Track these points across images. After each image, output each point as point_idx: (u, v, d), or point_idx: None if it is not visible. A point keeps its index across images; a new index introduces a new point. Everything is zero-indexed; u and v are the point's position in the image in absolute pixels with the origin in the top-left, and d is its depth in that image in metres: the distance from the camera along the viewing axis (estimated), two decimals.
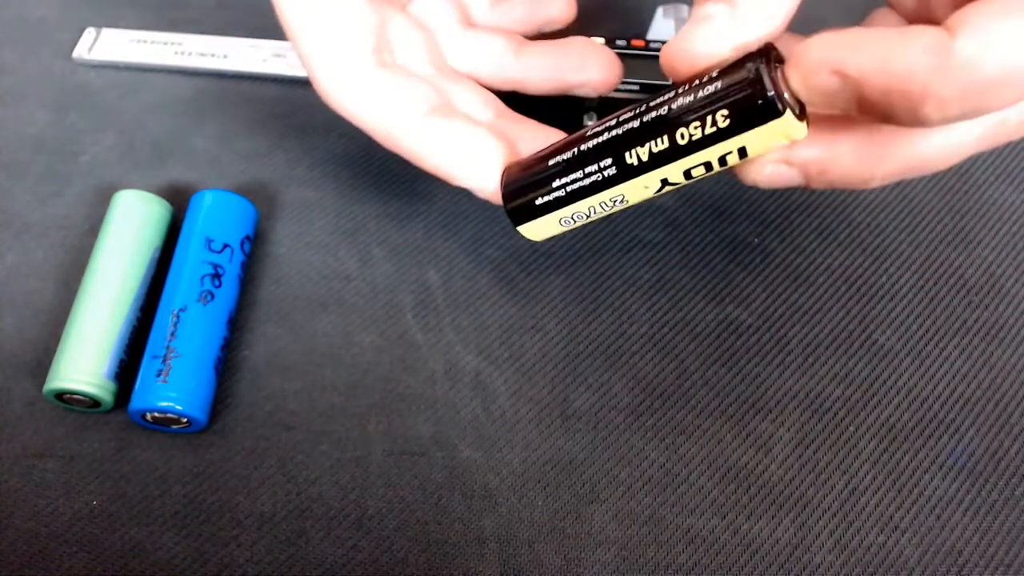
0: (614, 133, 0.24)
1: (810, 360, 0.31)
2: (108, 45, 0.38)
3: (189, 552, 0.27)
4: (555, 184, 0.25)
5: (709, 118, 0.22)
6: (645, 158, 0.23)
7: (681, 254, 0.33)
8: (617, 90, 0.34)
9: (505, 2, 0.33)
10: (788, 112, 0.21)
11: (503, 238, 0.33)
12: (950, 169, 0.36)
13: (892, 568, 0.27)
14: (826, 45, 0.20)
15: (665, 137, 0.23)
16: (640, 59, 0.35)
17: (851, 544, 0.27)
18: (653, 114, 0.23)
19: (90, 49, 0.38)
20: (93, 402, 0.28)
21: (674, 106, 0.22)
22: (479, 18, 0.33)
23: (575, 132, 0.27)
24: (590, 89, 0.31)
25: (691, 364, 0.31)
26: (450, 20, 0.31)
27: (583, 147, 0.25)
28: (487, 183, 0.28)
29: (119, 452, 0.28)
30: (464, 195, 0.34)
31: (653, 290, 0.32)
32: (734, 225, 0.34)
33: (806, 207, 0.34)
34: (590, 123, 0.35)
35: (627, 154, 0.24)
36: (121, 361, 0.29)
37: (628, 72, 0.35)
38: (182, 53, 0.37)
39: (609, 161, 0.24)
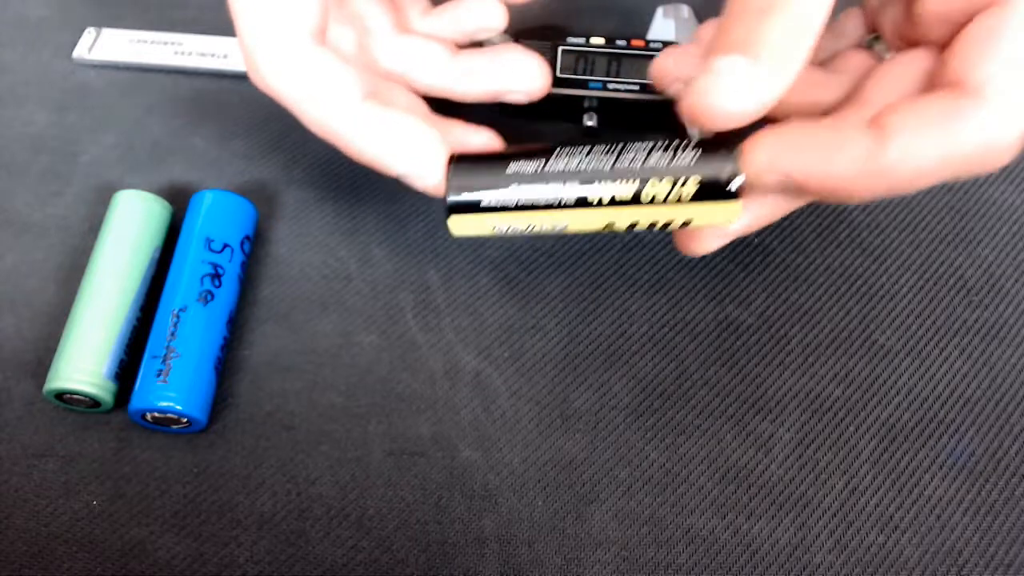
0: (585, 165, 0.24)
1: (810, 360, 0.31)
2: (108, 45, 0.38)
3: (189, 552, 0.27)
4: (511, 190, 0.25)
5: (678, 184, 0.23)
6: (606, 199, 0.24)
7: (681, 254, 0.33)
8: (617, 90, 0.35)
9: (440, 9, 0.32)
10: (740, 198, 0.23)
11: (503, 238, 0.33)
12: None
13: (892, 568, 0.27)
14: (772, 149, 0.23)
15: (633, 187, 0.24)
16: (640, 59, 0.35)
17: (851, 544, 0.27)
18: (628, 162, 0.24)
19: (90, 49, 0.38)
20: (93, 402, 0.28)
21: (650, 162, 0.24)
22: (413, 23, 0.32)
23: (532, 143, 0.26)
24: (521, 95, 0.31)
25: (691, 364, 0.31)
26: (386, 22, 0.31)
27: (551, 167, 0.25)
28: (429, 174, 0.27)
29: (119, 452, 0.28)
30: None
31: (653, 290, 0.32)
32: None
33: (806, 207, 0.34)
34: (590, 122, 0.35)
35: (591, 188, 0.24)
36: (121, 361, 0.29)
37: (628, 72, 0.35)
38: (182, 53, 0.37)
39: (571, 189, 0.24)
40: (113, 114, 0.36)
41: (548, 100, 0.35)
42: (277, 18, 0.27)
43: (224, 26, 0.38)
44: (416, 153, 0.27)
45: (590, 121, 0.35)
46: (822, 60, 0.30)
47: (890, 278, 0.33)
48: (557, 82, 0.35)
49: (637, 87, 0.35)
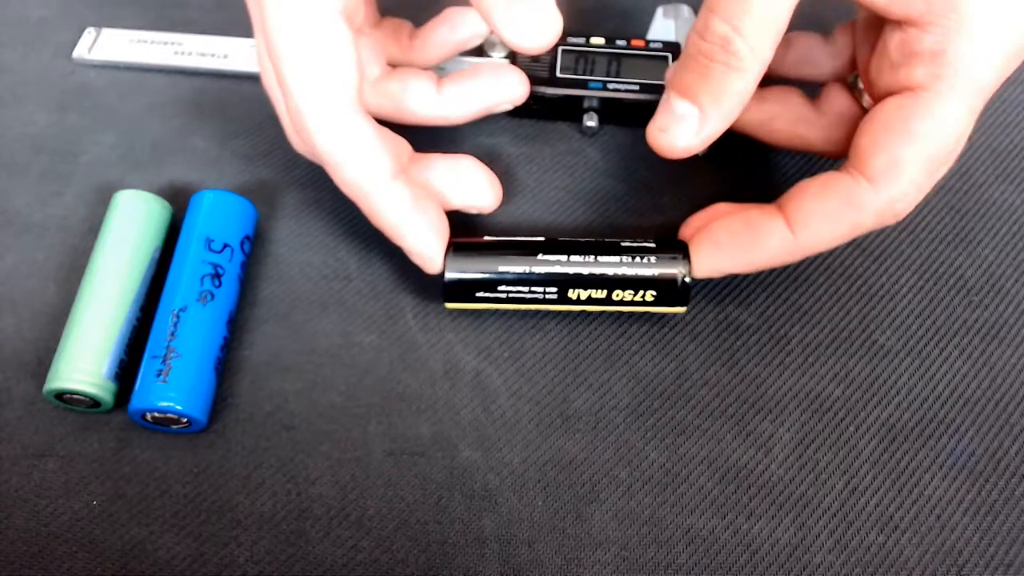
0: (566, 271, 0.29)
1: (810, 360, 0.31)
2: (108, 45, 0.38)
3: (189, 552, 0.27)
4: (500, 288, 0.29)
5: (641, 292, 0.29)
6: (584, 298, 0.29)
7: None
8: (617, 90, 0.35)
9: (426, 30, 0.33)
10: (687, 303, 0.30)
11: (503, 235, 0.33)
12: (950, 169, 0.36)
13: (892, 568, 0.27)
14: (711, 258, 0.29)
15: (603, 293, 0.29)
16: (640, 59, 0.35)
17: (851, 544, 0.27)
18: (600, 271, 0.29)
19: (90, 49, 0.38)
20: (93, 402, 0.28)
21: (619, 272, 0.29)
22: (402, 52, 0.33)
23: (521, 237, 0.30)
24: (507, 105, 0.33)
25: (691, 364, 0.31)
26: (377, 70, 0.32)
27: (536, 269, 0.29)
28: (430, 261, 0.29)
29: (119, 452, 0.28)
30: None
31: None
32: None
33: None
34: (590, 122, 0.35)
35: (571, 290, 0.29)
36: (121, 361, 0.29)
37: (628, 72, 0.35)
38: (182, 53, 0.37)
39: (555, 290, 0.29)
40: (113, 114, 0.36)
41: (548, 100, 0.35)
42: (327, 84, 0.27)
43: (224, 26, 0.39)
44: (424, 242, 0.29)
45: (590, 121, 0.35)
46: (818, 78, 0.32)
47: (890, 278, 0.33)
48: (557, 82, 0.35)
49: (637, 87, 0.35)
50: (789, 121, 0.31)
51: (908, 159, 0.26)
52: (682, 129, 0.27)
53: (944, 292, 0.32)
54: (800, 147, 0.32)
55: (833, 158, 0.31)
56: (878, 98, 0.28)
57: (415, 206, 0.29)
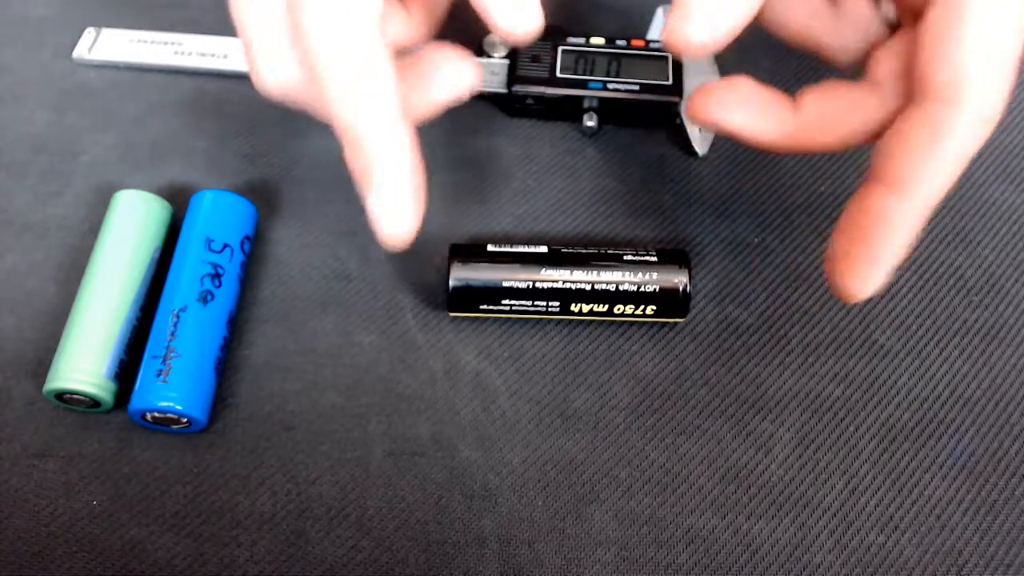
0: (568, 287, 0.30)
1: (810, 360, 0.31)
2: (108, 45, 0.38)
3: (189, 552, 0.27)
4: (504, 302, 0.30)
5: (642, 307, 0.30)
6: (586, 311, 0.30)
7: None
8: (617, 90, 0.35)
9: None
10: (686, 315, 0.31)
11: (503, 236, 0.33)
12: None
13: (892, 568, 0.27)
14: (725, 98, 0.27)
15: (605, 307, 0.30)
16: (640, 59, 0.35)
17: (851, 544, 0.27)
18: (603, 286, 0.30)
19: (90, 49, 0.38)
20: (93, 402, 0.28)
21: (622, 288, 0.30)
22: None
23: (524, 243, 0.31)
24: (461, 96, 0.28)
25: (691, 364, 0.31)
26: None
27: (540, 285, 0.30)
28: (404, 226, 0.25)
29: (119, 452, 0.28)
30: (463, 193, 0.34)
31: None
32: (734, 225, 0.34)
33: (806, 207, 0.34)
34: (590, 122, 0.35)
35: (573, 304, 0.30)
36: (121, 361, 0.29)
37: (628, 72, 0.35)
38: (182, 53, 0.37)
39: (557, 304, 0.30)
40: (113, 114, 0.36)
41: (548, 100, 0.35)
42: None
43: (224, 26, 0.38)
44: (406, 203, 0.25)
45: (590, 121, 0.35)
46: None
47: (890, 278, 0.33)
48: (557, 82, 0.35)
49: (637, 87, 0.35)
50: (805, 13, 0.29)
51: (983, 51, 0.24)
52: (696, 19, 0.25)
53: (944, 292, 0.32)
54: (812, 48, 0.29)
55: (842, 70, 0.29)
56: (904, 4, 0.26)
57: (412, 157, 0.25)
